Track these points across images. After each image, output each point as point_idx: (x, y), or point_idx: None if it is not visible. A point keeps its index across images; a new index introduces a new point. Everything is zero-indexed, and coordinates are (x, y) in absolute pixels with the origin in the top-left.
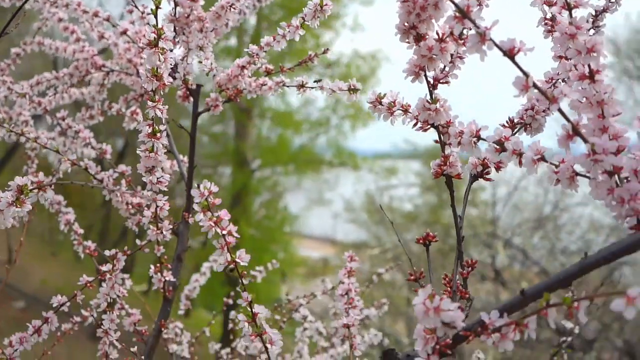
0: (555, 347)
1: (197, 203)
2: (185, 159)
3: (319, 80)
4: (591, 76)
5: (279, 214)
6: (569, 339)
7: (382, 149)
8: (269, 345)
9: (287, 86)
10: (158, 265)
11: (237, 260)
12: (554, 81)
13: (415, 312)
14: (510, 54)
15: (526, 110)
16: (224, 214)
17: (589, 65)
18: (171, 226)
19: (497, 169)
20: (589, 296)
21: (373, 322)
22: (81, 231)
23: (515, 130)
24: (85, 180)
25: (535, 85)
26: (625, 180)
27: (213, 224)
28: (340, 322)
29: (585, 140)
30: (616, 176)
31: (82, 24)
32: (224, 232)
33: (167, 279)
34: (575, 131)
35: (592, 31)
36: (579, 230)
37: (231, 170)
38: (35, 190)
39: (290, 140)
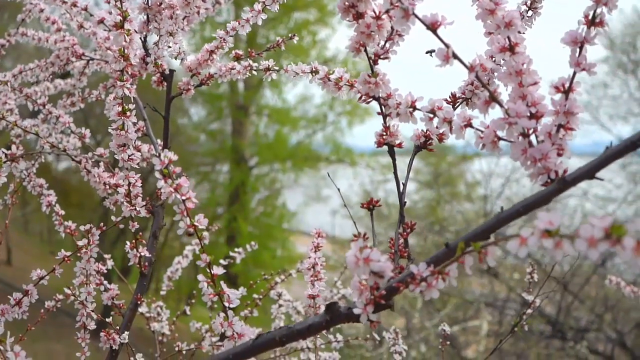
0: (517, 318)
1: (157, 170)
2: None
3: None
4: (511, 48)
5: (277, 210)
6: (529, 311)
7: (372, 146)
8: (226, 304)
9: (255, 70)
10: (134, 241)
11: (196, 224)
12: (493, 58)
13: (347, 263)
14: (433, 27)
15: (467, 85)
16: (184, 181)
17: (508, 38)
18: (144, 203)
19: (440, 140)
20: (496, 240)
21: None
22: (62, 212)
23: (457, 104)
24: (80, 178)
25: (454, 56)
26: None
27: (173, 190)
28: (306, 293)
29: (501, 105)
30: (534, 138)
31: (64, 14)
32: (184, 197)
33: (142, 254)
34: (492, 98)
35: (530, 12)
36: (572, 221)
37: (229, 167)
38: (9, 162)
39: (287, 137)
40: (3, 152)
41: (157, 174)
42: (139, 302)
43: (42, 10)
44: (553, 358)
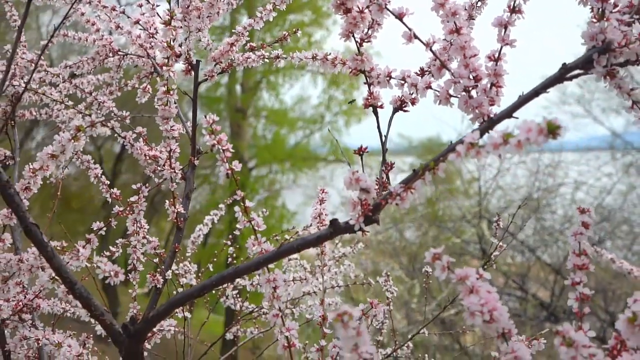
0: (486, 260)
1: (204, 128)
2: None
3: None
4: (457, 31)
5: (276, 211)
6: (496, 253)
7: (377, 145)
8: (256, 228)
9: (267, 58)
10: (172, 200)
11: (233, 167)
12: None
13: (343, 184)
14: (400, 17)
15: (431, 61)
16: (224, 136)
17: (455, 23)
18: (182, 167)
19: (412, 103)
20: (442, 158)
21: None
22: (107, 182)
23: (425, 75)
24: (86, 182)
25: (415, 36)
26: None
27: (216, 143)
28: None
29: (449, 70)
30: (474, 93)
31: (99, 16)
32: (224, 148)
33: (179, 211)
34: (442, 65)
35: (479, 3)
36: (565, 211)
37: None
38: (90, 128)
39: (285, 138)
40: (84, 121)
41: (204, 131)
42: (176, 250)
43: (83, 14)
44: (548, 340)
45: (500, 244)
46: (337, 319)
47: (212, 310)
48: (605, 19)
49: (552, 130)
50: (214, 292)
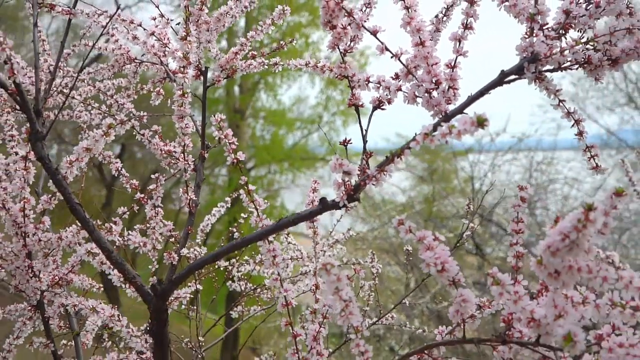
0: (458, 239)
1: (213, 125)
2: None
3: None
4: (421, 43)
5: (275, 211)
6: (467, 234)
7: (375, 144)
8: (258, 207)
9: (267, 65)
10: (185, 187)
11: (238, 157)
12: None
13: (330, 168)
14: (374, 33)
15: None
16: (229, 131)
17: (419, 37)
18: (194, 159)
19: (389, 103)
20: (407, 146)
21: (371, 313)
22: (127, 175)
23: (399, 80)
24: (86, 184)
25: (386, 48)
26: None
27: (223, 137)
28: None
29: (414, 76)
30: (435, 93)
31: (116, 28)
32: (230, 141)
33: (191, 198)
34: (408, 71)
35: (445, 18)
36: (558, 207)
37: (227, 170)
38: (119, 125)
39: (283, 139)
40: (114, 118)
41: (213, 127)
42: (189, 232)
43: (104, 27)
44: None
45: (472, 225)
46: (322, 267)
47: (219, 289)
48: (533, 35)
49: (480, 122)
50: (221, 268)
